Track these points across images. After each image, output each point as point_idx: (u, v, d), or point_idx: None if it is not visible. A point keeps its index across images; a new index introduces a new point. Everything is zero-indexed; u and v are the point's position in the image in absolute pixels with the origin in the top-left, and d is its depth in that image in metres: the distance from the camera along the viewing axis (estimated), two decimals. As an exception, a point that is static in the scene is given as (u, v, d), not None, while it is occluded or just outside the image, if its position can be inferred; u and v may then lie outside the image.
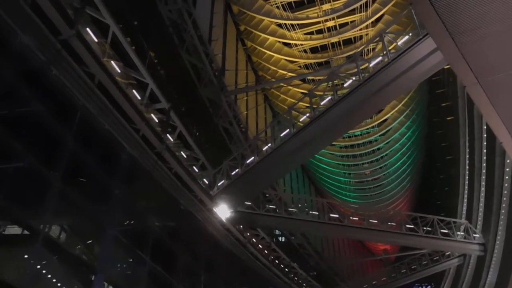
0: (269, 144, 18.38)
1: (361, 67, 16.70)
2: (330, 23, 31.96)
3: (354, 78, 16.16)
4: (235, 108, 27.28)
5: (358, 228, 23.61)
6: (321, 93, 18.19)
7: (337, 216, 24.65)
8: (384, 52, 15.35)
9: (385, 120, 40.67)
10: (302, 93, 35.45)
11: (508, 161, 18.58)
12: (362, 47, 24.40)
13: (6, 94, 8.91)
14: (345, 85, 16.84)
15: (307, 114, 17.27)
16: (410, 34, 14.54)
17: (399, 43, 15.08)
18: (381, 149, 43.99)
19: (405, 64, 13.65)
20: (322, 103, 16.99)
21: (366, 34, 31.95)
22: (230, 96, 25.92)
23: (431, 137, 46.52)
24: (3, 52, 8.77)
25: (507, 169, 18.82)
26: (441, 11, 7.22)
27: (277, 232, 36.26)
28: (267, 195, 24.77)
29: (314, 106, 17.16)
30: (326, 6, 30.63)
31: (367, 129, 41.23)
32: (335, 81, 17.74)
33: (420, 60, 13.33)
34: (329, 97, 16.77)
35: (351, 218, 24.40)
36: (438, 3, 7.02)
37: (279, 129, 18.50)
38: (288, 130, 17.60)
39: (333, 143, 42.64)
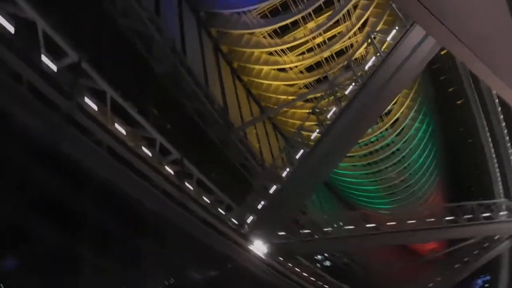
0: (287, 169, 18.27)
1: (359, 73, 16.75)
2: (319, 39, 32.31)
3: (353, 84, 16.16)
4: (247, 143, 27.42)
5: (398, 232, 23.03)
6: (325, 108, 18.18)
7: (374, 225, 24.14)
8: (378, 54, 15.43)
9: (397, 119, 40.36)
10: (308, 113, 35.51)
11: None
12: (354, 52, 24.46)
13: (20, 178, 9.07)
14: (346, 93, 16.84)
15: (317, 131, 17.22)
16: (397, 28, 14.60)
17: (389, 39, 15.13)
18: (400, 150, 43.40)
19: (400, 57, 13.63)
20: (328, 116, 16.95)
21: (356, 41, 32.19)
22: (239, 132, 26.06)
23: (447, 126, 45.82)
24: (10, 135, 9.00)
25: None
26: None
27: (319, 256, 35.60)
28: (299, 221, 24.45)
29: (323, 122, 17.16)
30: (311, 24, 31.09)
31: (381, 133, 40.86)
32: (337, 93, 17.78)
33: (414, 49, 13.31)
34: (334, 109, 16.75)
35: (387, 224, 23.85)
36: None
37: (294, 152, 18.42)
38: (302, 150, 17.53)
39: (352, 154, 42.33)
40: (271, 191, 19.29)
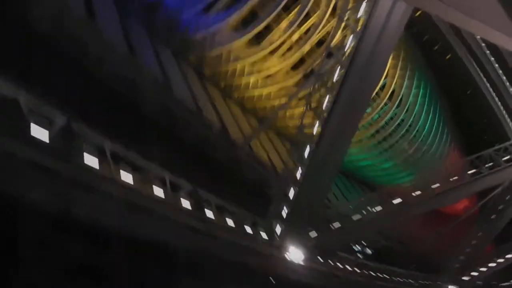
0: (300, 169, 18.19)
1: (342, 58, 16.68)
2: (295, 36, 32.45)
3: (339, 70, 16.15)
4: (255, 156, 27.41)
5: (425, 199, 22.78)
6: (319, 100, 18.14)
7: (400, 200, 23.88)
8: (354, 33, 15.38)
9: (393, 91, 40.19)
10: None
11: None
12: (332, 38, 24.44)
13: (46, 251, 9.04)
14: (334, 80, 16.81)
15: (317, 124, 17.17)
16: (366, 1, 14.57)
17: (360, 14, 15.09)
18: (404, 120, 43.11)
19: (376, 29, 13.58)
20: (324, 107, 16.87)
21: (332, 27, 32.21)
22: (244, 148, 26.03)
23: (444, 83, 45.53)
24: (22, 214, 9.01)
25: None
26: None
27: (358, 248, 35.23)
28: (327, 217, 24.28)
29: (320, 114, 17.09)
30: (284, 24, 31.26)
31: (381, 109, 40.67)
32: (327, 83, 17.72)
33: (387, 17, 13.24)
34: (327, 98, 16.70)
35: (413, 194, 23.60)
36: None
37: (301, 151, 18.34)
38: (308, 147, 17.46)
39: (360, 137, 42.08)
40: (291, 195, 19.19)
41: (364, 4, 14.59)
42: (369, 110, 40.43)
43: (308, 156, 17.56)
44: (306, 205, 19.18)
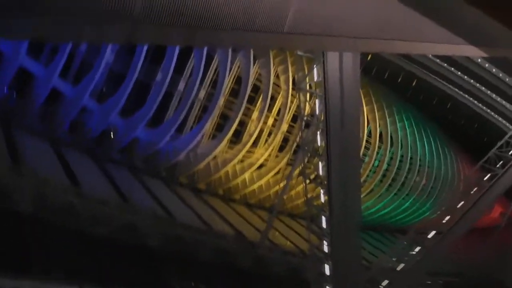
0: (325, 242, 17.66)
1: (319, 123, 16.95)
2: (270, 121, 33.38)
3: (319, 134, 16.47)
4: (278, 248, 26.78)
5: (458, 221, 22.03)
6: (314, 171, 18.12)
7: (433, 232, 23.03)
8: (315, 96, 15.79)
9: (381, 134, 40.57)
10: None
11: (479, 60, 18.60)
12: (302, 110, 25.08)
13: None
14: (319, 144, 17.00)
15: (322, 192, 17.01)
16: (315, 65, 15.14)
17: (316, 79, 15.60)
18: (403, 155, 43.05)
19: (336, 81, 13.90)
20: (321, 174, 16.80)
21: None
22: (263, 244, 25.41)
23: (423, 107, 46.23)
24: None
25: (487, 65, 18.75)
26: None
27: None
28: (372, 279, 23.28)
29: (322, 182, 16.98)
30: (255, 114, 32.24)
31: (378, 153, 40.70)
32: (317, 150, 17.83)
33: (340, 68, 13.68)
34: (321, 165, 16.74)
35: (443, 222, 22.88)
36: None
37: (318, 223, 17.93)
38: (323, 217, 17.11)
39: (369, 189, 41.58)
40: (327, 271, 18.40)
41: (315, 68, 15.16)
42: (366, 159, 40.51)
43: (326, 225, 17.12)
44: (347, 275, 18.30)
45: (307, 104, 23.40)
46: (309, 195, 18.76)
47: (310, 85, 19.71)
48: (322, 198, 17.15)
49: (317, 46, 11.13)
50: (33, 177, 17.47)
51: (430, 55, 20.89)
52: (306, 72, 18.67)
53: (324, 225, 17.42)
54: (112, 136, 27.81)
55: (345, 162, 15.84)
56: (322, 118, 15.98)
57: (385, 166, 42.21)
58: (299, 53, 15.27)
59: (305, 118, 20.72)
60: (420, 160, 44.42)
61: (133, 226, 20.55)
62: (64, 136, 26.86)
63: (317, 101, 16.13)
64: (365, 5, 10.26)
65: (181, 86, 29.08)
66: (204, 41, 8.43)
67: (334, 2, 9.47)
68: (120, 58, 26.51)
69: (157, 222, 21.18)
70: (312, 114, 18.20)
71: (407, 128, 42.97)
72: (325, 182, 16.40)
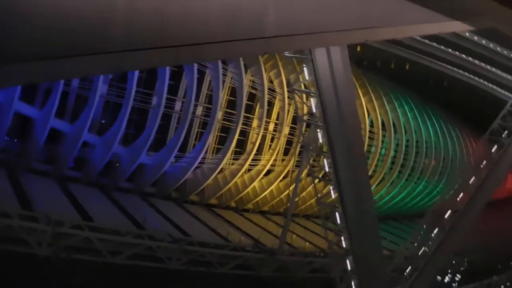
0: (342, 238, 17.58)
1: (318, 121, 16.93)
2: (271, 126, 33.44)
3: (319, 131, 16.49)
4: (297, 251, 26.77)
5: (471, 197, 21.86)
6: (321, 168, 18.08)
7: (449, 211, 22.85)
8: (312, 95, 15.80)
9: (383, 123, 40.51)
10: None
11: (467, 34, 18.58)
12: (301, 110, 25.11)
13: None
14: (320, 141, 17.00)
15: (331, 188, 16.95)
16: (305, 65, 15.17)
17: (308, 77, 15.61)
18: (409, 140, 42.93)
19: (327, 80, 13.96)
20: (328, 171, 16.76)
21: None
22: (283, 249, 25.33)
23: (421, 90, 46.17)
24: None
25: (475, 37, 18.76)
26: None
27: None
28: (395, 267, 23.16)
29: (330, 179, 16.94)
30: (255, 123, 32.31)
31: (383, 142, 40.60)
32: (322, 148, 17.82)
33: (330, 65, 13.70)
34: (326, 162, 16.71)
35: (458, 200, 22.74)
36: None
37: (334, 219, 17.83)
38: (337, 213, 17.06)
39: (380, 178, 41.41)
40: (350, 267, 18.27)
41: (305, 67, 15.19)
42: (373, 149, 40.43)
43: (341, 221, 17.02)
44: (370, 267, 18.16)
45: (304, 104, 23.53)
46: (319, 194, 18.67)
47: (305, 85, 19.83)
48: (333, 195, 17.07)
49: (302, 45, 11.17)
50: (46, 220, 17.55)
51: (418, 37, 20.90)
52: (298, 73, 18.73)
53: (338, 221, 17.32)
54: (117, 166, 27.93)
55: (349, 155, 15.80)
56: (318, 115, 16.02)
57: (392, 153, 42.07)
58: (288, 54, 15.28)
59: (304, 118, 20.75)
60: (426, 142, 44.29)
61: (151, 251, 20.66)
62: (70, 173, 27.06)
63: (312, 100, 16.14)
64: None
65: (177, 106, 29.23)
66: (188, 59, 8.49)
67: (312, 1, 9.52)
68: (113, 88, 26.73)
69: (174, 244, 21.19)
70: (310, 113, 18.18)
71: (408, 113, 42.89)
72: (333, 178, 16.34)
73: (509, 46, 19.32)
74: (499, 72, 24.45)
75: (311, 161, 21.75)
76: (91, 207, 23.29)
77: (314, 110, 16.21)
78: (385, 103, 40.38)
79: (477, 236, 43.03)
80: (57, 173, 26.10)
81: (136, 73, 25.60)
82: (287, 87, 31.59)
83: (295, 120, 34.31)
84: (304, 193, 36.01)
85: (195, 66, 27.52)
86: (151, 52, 7.52)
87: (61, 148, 25.51)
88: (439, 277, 35.43)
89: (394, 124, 41.53)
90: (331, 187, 17.08)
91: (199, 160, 29.61)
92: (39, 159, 26.01)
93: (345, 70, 14.37)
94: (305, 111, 20.81)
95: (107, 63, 7.12)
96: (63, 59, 6.77)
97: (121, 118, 25.39)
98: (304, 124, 24.61)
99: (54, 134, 25.00)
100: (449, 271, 36.11)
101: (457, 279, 37.05)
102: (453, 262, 35.59)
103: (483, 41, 19.50)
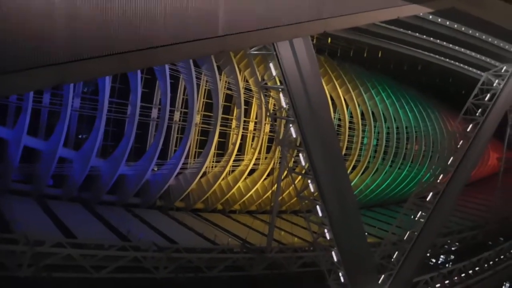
0: (325, 230, 17.60)
1: (291, 117, 16.90)
2: (251, 125, 33.36)
3: (291, 126, 16.47)
4: (285, 249, 26.73)
5: (451, 177, 22.09)
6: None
7: (431, 193, 23.03)
8: (280, 90, 15.72)
9: (362, 112, 40.67)
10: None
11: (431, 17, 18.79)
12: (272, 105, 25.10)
13: None
14: (294, 136, 17.00)
15: (310, 182, 16.92)
16: (270, 61, 15.10)
17: (274, 73, 15.54)
18: (389, 127, 43.18)
19: (294, 72, 13.94)
20: (304, 165, 16.71)
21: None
22: (270, 247, 25.26)
23: (398, 76, 46.41)
24: None
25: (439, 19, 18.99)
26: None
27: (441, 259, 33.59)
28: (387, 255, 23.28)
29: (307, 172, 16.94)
30: (233, 123, 32.20)
31: (364, 131, 40.77)
32: (297, 144, 17.79)
33: (295, 57, 13.69)
34: (302, 157, 16.69)
35: (437, 181, 22.99)
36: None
37: (315, 212, 17.82)
38: (317, 206, 17.04)
39: (363, 167, 41.57)
40: (336, 258, 18.32)
41: (271, 63, 15.12)
42: (365, 141, 40.74)
43: (323, 214, 17.03)
44: (356, 257, 18.23)
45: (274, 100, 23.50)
46: (299, 188, 18.62)
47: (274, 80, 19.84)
48: (312, 187, 17.05)
49: (256, 41, 11.10)
50: (25, 241, 17.25)
51: (385, 24, 21.03)
52: (263, 70, 18.65)
53: (320, 213, 17.32)
54: (97, 179, 27.61)
55: (324, 147, 15.83)
56: (287, 109, 16.00)
57: (374, 141, 42.27)
58: (252, 52, 15.20)
59: (276, 115, 20.56)
60: (406, 127, 44.58)
61: (137, 262, 20.45)
62: (51, 191, 26.69)
63: (281, 95, 16.10)
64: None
65: (154, 113, 29.01)
66: (139, 64, 8.35)
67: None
68: (86, 100, 26.44)
69: (160, 252, 21.01)
70: (280, 108, 18.10)
71: (386, 100, 43.11)
72: (311, 171, 16.34)
73: (473, 24, 19.50)
74: (468, 52, 24.72)
75: (289, 157, 21.71)
76: (74, 223, 22.96)
77: (284, 105, 16.17)
78: (363, 92, 40.53)
79: (468, 214, 43.91)
80: (37, 192, 25.72)
81: (108, 84, 25.35)
82: (257, 85, 31.54)
83: (277, 118, 34.23)
84: (290, 189, 36.04)
85: (167, 71, 27.32)
86: (96, 61, 7.38)
87: (38, 166, 25.12)
88: (433, 260, 35.94)
89: (373, 113, 41.72)
90: (309, 181, 17.06)
91: (180, 165, 29.40)
92: (17, 179, 25.62)
93: (311, 62, 14.37)
94: (277, 106, 20.80)
95: (50, 76, 6.98)
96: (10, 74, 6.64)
97: (96, 131, 25.09)
98: (283, 121, 24.58)
99: (30, 152, 24.64)
100: (441, 251, 36.63)
101: (449, 259, 37.61)
102: (448, 241, 36.15)
103: (447, 22, 19.67)
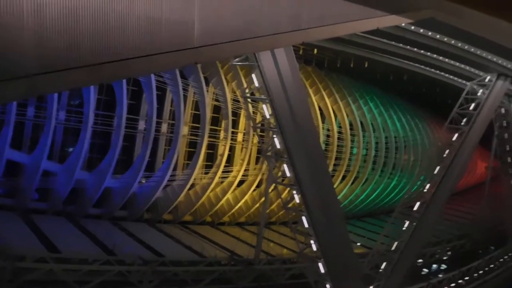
0: (312, 242, 17.49)
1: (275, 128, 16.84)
2: (240, 136, 33.24)
3: (275, 137, 16.44)
4: (274, 260, 26.59)
5: (438, 187, 22.16)
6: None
7: (418, 203, 23.03)
8: (267, 101, 15.70)
9: (351, 123, 40.70)
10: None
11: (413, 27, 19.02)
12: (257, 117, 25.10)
13: None
14: (278, 147, 16.94)
15: (295, 193, 16.85)
16: (254, 74, 15.08)
17: (257, 84, 15.52)
18: (378, 137, 43.22)
19: (276, 79, 13.96)
20: (290, 176, 16.66)
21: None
22: (259, 254, 25.10)
23: (384, 86, 46.57)
24: None
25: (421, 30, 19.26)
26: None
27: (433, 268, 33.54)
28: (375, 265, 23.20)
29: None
30: (222, 134, 32.08)
31: (352, 142, 40.74)
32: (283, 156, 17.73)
33: (276, 65, 13.73)
34: (285, 167, 16.65)
35: (424, 190, 23.03)
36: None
37: (301, 224, 17.74)
38: (303, 217, 16.95)
39: (353, 178, 41.56)
40: (323, 269, 18.22)
41: (253, 73, 15.11)
42: (355, 151, 40.69)
43: (307, 224, 16.96)
44: (342, 268, 18.15)
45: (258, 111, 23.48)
46: (285, 199, 18.57)
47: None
48: (297, 198, 16.99)
49: (232, 52, 11.11)
50: (4, 256, 16.94)
51: (368, 35, 21.16)
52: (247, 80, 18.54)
53: (306, 225, 17.24)
54: (83, 192, 27.29)
55: (308, 157, 15.82)
56: (272, 121, 15.97)
57: (363, 151, 42.28)
58: (234, 63, 15.20)
59: (261, 125, 20.49)
60: (395, 137, 44.69)
61: (122, 276, 20.17)
62: (36, 205, 26.33)
63: (264, 106, 16.08)
64: (274, 4, 10.30)
65: (141, 125, 28.84)
66: (111, 76, 8.28)
67: (238, 8, 9.44)
68: (72, 113, 26.24)
69: (145, 266, 20.75)
70: (264, 119, 18.06)
71: (374, 110, 43.26)
72: (295, 182, 16.30)
73: (455, 35, 19.70)
74: (452, 62, 24.91)
75: (276, 169, 21.63)
76: (58, 237, 22.61)
77: (267, 116, 16.14)
78: (351, 102, 40.65)
79: (457, 223, 44.01)
80: (21, 206, 25.34)
81: (93, 96, 25.17)
82: (242, 95, 31.54)
83: (262, 129, 34.20)
84: (279, 200, 35.87)
85: (153, 83, 27.23)
86: (67, 73, 7.30)
87: (22, 180, 24.80)
88: (425, 269, 35.91)
89: (361, 123, 41.78)
90: (294, 192, 17.00)
91: (167, 177, 29.17)
92: (0, 193, 25.27)
93: (293, 73, 14.40)
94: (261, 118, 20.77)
95: (19, 88, 6.88)
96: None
97: (81, 143, 24.85)
98: (270, 131, 24.55)
99: (13, 166, 24.33)
100: (432, 261, 36.61)
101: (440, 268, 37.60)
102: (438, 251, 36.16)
103: (430, 33, 19.85)
